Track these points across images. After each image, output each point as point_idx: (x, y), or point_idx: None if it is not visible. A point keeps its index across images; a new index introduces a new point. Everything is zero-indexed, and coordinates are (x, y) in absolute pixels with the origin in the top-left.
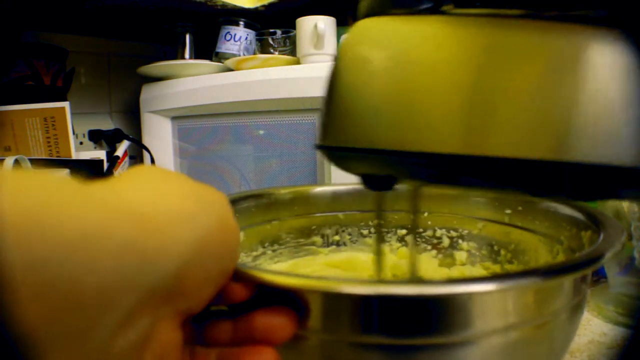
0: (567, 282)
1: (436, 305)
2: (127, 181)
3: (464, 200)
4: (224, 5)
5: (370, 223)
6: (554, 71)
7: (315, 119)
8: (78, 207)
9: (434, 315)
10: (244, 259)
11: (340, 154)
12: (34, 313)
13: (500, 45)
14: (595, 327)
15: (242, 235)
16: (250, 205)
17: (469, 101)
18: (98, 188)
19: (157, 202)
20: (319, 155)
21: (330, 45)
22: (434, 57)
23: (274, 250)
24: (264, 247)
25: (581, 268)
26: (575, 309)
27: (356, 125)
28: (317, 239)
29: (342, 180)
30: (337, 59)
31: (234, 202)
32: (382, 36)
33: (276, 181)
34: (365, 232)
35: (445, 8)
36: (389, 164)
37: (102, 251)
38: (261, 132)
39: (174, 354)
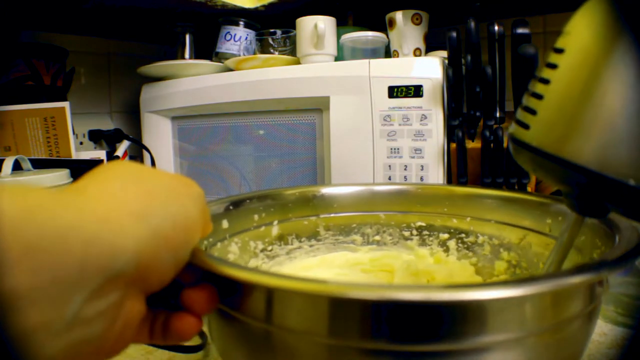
0: (580, 289)
1: (444, 311)
2: (100, 184)
3: (506, 207)
4: (224, 5)
5: (412, 225)
6: None
7: (315, 119)
8: (58, 210)
9: (443, 321)
10: (277, 251)
11: (544, 161)
12: (23, 281)
13: None
14: (595, 327)
15: (276, 229)
16: (288, 201)
17: None
18: (74, 195)
19: (120, 204)
20: (319, 155)
21: (330, 45)
22: None
23: (311, 246)
24: (300, 242)
25: (591, 272)
26: (590, 316)
27: (580, 133)
28: (357, 237)
29: (341, 180)
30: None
31: (253, 198)
32: None
33: (276, 181)
34: (407, 234)
35: None
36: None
37: (73, 243)
38: (261, 132)
39: (138, 320)
